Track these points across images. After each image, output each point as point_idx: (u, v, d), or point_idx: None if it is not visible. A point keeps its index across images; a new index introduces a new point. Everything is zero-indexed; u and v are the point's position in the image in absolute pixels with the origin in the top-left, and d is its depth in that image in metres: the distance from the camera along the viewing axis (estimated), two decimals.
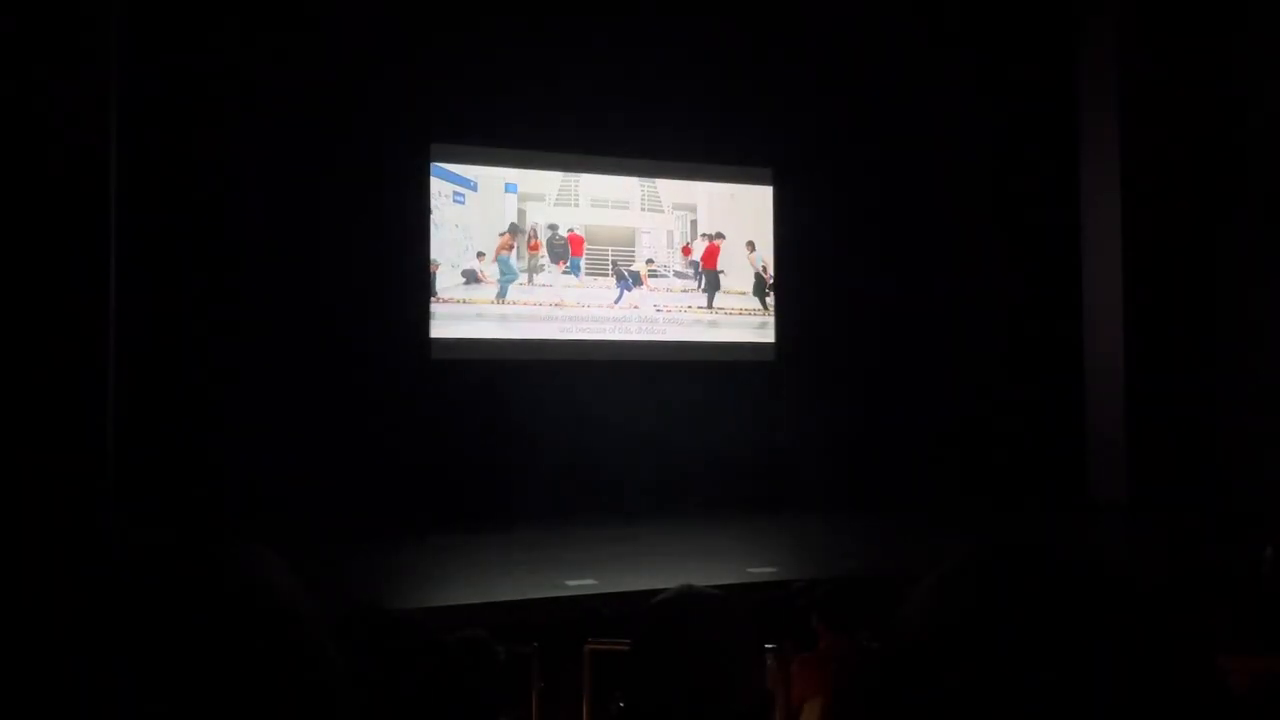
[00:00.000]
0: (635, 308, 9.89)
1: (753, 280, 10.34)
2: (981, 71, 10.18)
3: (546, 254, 9.70)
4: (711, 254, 10.33)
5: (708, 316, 10.16)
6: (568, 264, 9.75)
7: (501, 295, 9.49)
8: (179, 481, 7.56)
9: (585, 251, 9.78)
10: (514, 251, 9.57)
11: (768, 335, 10.32)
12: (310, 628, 0.57)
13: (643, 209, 10.06)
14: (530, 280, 9.60)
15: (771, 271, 10.39)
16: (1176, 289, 9.64)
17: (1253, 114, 9.53)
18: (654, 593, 1.29)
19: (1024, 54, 10.32)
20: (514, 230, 9.57)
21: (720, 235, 10.29)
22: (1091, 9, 10.19)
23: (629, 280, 9.89)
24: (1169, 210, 9.69)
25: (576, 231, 9.73)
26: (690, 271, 10.17)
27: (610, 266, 9.87)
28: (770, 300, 10.36)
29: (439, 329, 9.12)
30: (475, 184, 9.42)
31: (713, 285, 10.27)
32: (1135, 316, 9.69)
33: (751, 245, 10.32)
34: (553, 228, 9.70)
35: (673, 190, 10.13)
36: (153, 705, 0.50)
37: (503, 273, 9.54)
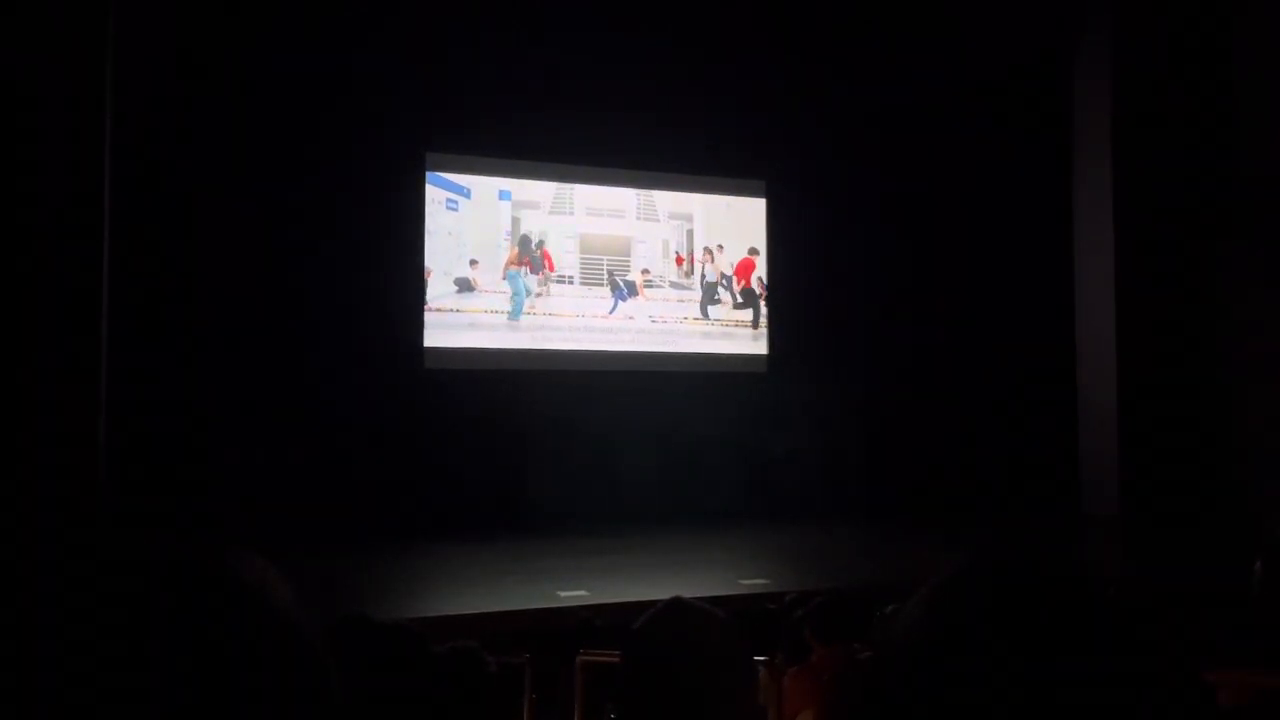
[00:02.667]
0: (630, 318, 9.88)
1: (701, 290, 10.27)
2: (974, 84, 10.23)
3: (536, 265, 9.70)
4: (745, 269, 10.33)
5: (702, 327, 10.16)
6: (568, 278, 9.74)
7: (515, 315, 9.41)
8: (170, 489, 7.53)
9: (560, 263, 9.71)
10: (525, 269, 9.52)
11: (760, 347, 10.33)
12: (307, 637, 0.57)
13: (638, 218, 10.06)
14: (548, 292, 9.58)
15: (766, 282, 10.42)
16: (1169, 305, 9.67)
17: (1246, 127, 9.58)
18: (647, 604, 1.29)
19: (1017, 67, 10.37)
20: (524, 245, 9.53)
21: (755, 250, 10.31)
22: (1086, 21, 10.25)
23: (624, 290, 9.89)
24: (1162, 226, 9.73)
25: (547, 246, 9.67)
26: (685, 282, 10.19)
27: (605, 276, 9.86)
28: (731, 309, 10.32)
29: (432, 338, 9.10)
30: (469, 191, 9.41)
31: (752, 302, 10.30)
32: (1128, 329, 9.72)
33: (712, 251, 10.29)
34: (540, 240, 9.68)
35: (669, 200, 10.15)
36: (147, 714, 0.50)
37: (514, 291, 9.47)
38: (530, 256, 9.54)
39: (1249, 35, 9.54)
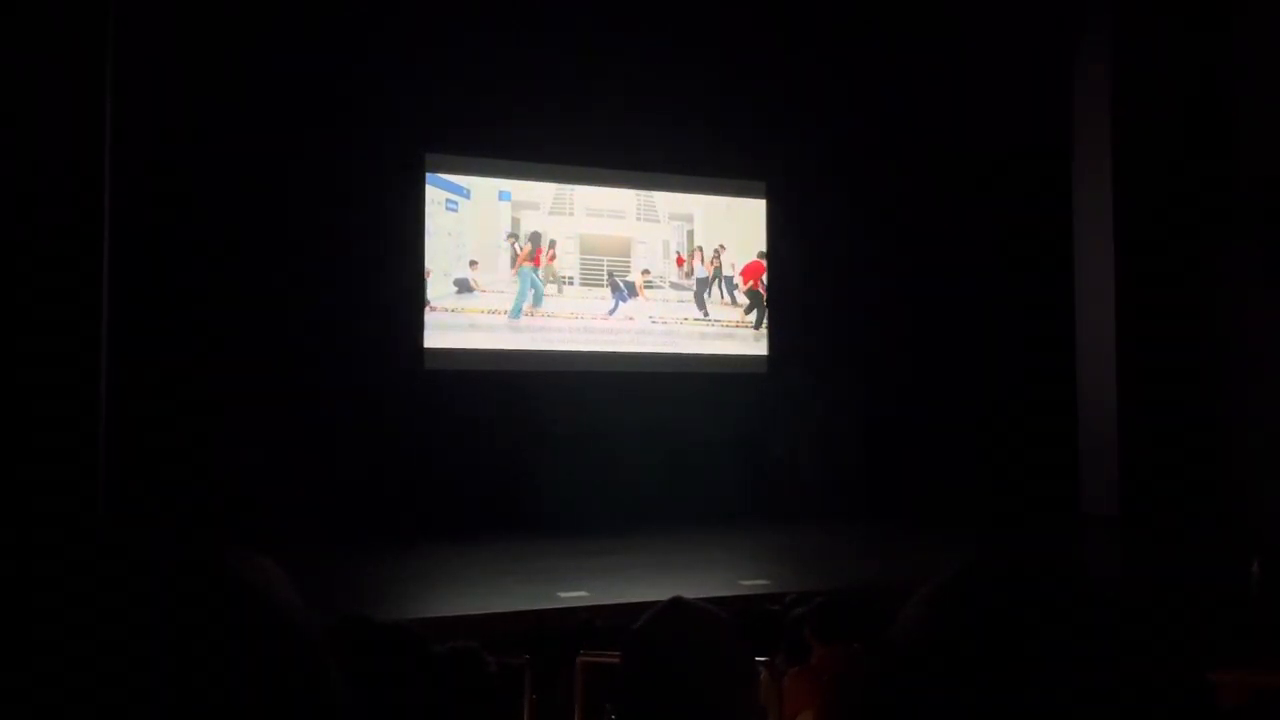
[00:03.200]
0: (631, 319, 9.88)
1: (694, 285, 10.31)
2: (974, 84, 10.23)
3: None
4: (754, 272, 10.33)
5: (702, 328, 10.16)
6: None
7: (515, 314, 9.41)
8: (170, 490, 7.52)
9: (561, 264, 9.72)
10: (535, 265, 9.52)
11: (760, 347, 10.33)
12: (308, 637, 0.57)
13: (639, 219, 10.06)
14: (560, 291, 9.60)
15: (767, 283, 10.42)
16: (1169, 305, 9.67)
17: (1246, 127, 9.58)
18: (647, 604, 1.29)
19: (1017, 66, 10.37)
20: (535, 242, 9.53)
21: (764, 254, 10.34)
22: (1087, 20, 10.26)
23: (624, 291, 9.88)
24: (1162, 226, 9.73)
25: (549, 247, 9.71)
26: (685, 283, 10.19)
27: (606, 277, 9.86)
28: (730, 309, 10.34)
29: (432, 339, 9.10)
30: (469, 191, 9.40)
31: (758, 304, 10.32)
32: (1127, 330, 9.73)
33: (710, 252, 10.31)
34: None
35: (669, 201, 10.15)
36: (146, 715, 0.50)
37: (522, 289, 9.46)
38: (536, 254, 9.54)
39: (1249, 35, 9.55)
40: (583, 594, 5.67)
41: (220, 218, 8.21)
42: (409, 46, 8.82)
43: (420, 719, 2.42)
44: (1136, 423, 9.60)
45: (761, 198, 10.39)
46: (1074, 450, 10.14)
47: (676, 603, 1.25)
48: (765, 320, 10.34)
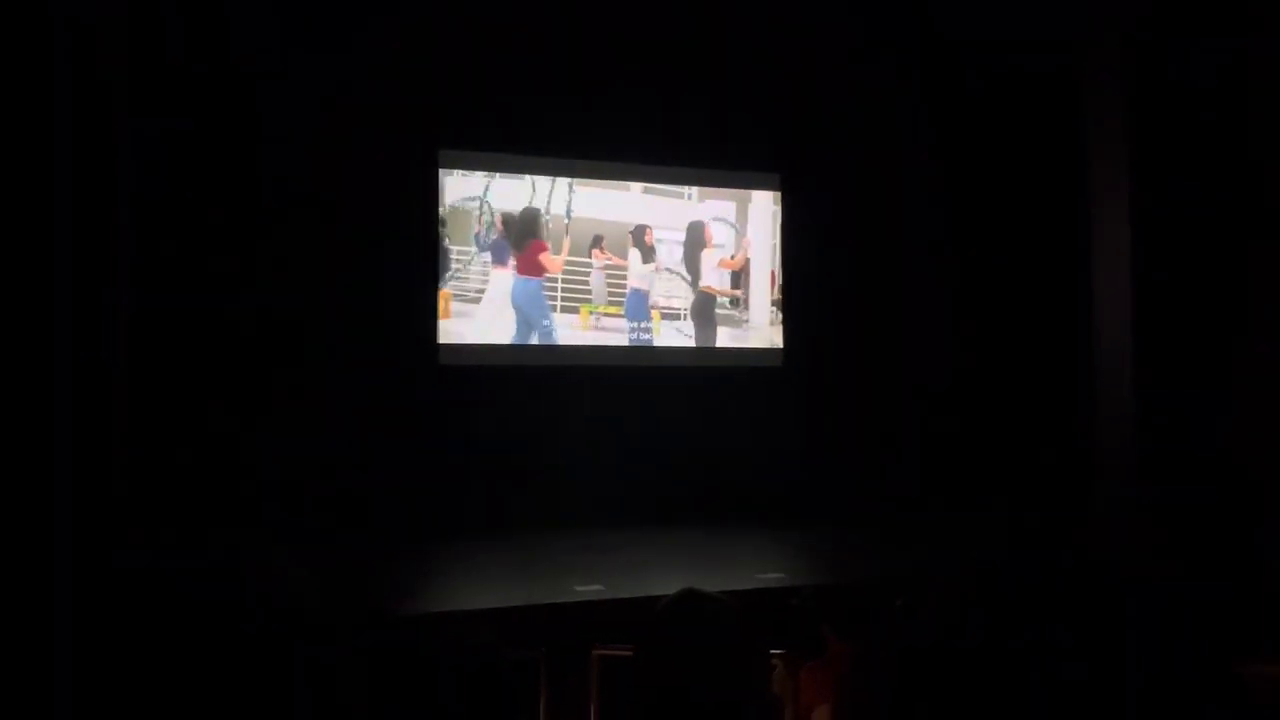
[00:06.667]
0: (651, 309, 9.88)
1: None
2: (989, 80, 10.15)
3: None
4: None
5: (719, 319, 10.14)
6: None
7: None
8: (184, 487, 7.56)
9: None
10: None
11: (777, 340, 10.29)
12: (325, 632, 0.56)
13: (653, 211, 10.03)
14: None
15: (781, 278, 10.37)
16: (1187, 298, 9.55)
17: (1266, 125, 9.45)
18: (662, 598, 1.27)
19: (1030, 64, 10.28)
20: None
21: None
22: (1097, 21, 10.15)
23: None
24: (1181, 221, 9.60)
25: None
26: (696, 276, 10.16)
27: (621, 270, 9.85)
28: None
29: (446, 333, 9.10)
30: (484, 186, 9.39)
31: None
32: (1145, 322, 9.62)
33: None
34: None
35: (684, 194, 10.11)
36: (169, 708, 0.49)
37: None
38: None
39: (1266, 40, 9.42)
40: (598, 587, 5.68)
41: (231, 217, 8.21)
42: (422, 39, 8.82)
43: (435, 713, 2.42)
44: (1155, 412, 9.49)
45: (776, 189, 10.34)
46: (1092, 440, 10.06)
47: (689, 593, 1.24)
48: (776, 315, 10.25)
